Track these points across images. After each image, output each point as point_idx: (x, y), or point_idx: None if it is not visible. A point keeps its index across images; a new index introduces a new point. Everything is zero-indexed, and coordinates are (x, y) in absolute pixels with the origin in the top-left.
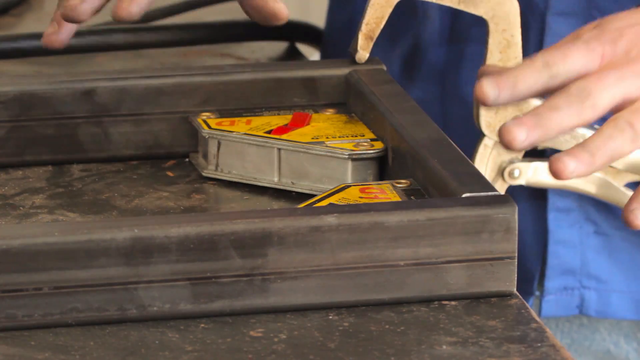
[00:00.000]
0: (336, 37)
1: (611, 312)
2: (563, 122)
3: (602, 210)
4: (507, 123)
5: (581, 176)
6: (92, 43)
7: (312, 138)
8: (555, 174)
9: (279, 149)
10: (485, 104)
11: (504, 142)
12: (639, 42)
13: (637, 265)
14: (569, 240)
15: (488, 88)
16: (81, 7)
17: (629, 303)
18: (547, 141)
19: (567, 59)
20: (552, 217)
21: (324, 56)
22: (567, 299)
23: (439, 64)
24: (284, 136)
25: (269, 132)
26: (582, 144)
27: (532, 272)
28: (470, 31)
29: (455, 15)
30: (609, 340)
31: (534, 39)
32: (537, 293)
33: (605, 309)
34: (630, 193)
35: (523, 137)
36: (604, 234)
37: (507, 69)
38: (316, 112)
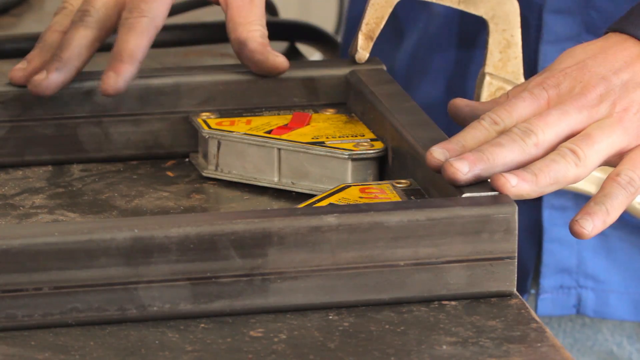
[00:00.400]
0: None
1: (609, 312)
2: (506, 157)
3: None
4: (450, 159)
5: (525, 196)
6: None
7: (312, 138)
8: (497, 188)
9: (279, 149)
10: (457, 181)
11: (447, 176)
12: (582, 78)
13: (635, 265)
14: (564, 239)
15: (456, 161)
16: (46, 82)
17: (627, 304)
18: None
19: (513, 112)
20: (547, 215)
21: (343, 47)
22: (564, 298)
23: (448, 67)
24: (284, 136)
25: (269, 132)
26: (526, 167)
27: (526, 269)
28: (479, 37)
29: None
30: (612, 340)
31: (532, 37)
32: (533, 291)
33: (604, 310)
34: None
35: (465, 169)
36: (602, 233)
37: (454, 138)
38: (316, 112)
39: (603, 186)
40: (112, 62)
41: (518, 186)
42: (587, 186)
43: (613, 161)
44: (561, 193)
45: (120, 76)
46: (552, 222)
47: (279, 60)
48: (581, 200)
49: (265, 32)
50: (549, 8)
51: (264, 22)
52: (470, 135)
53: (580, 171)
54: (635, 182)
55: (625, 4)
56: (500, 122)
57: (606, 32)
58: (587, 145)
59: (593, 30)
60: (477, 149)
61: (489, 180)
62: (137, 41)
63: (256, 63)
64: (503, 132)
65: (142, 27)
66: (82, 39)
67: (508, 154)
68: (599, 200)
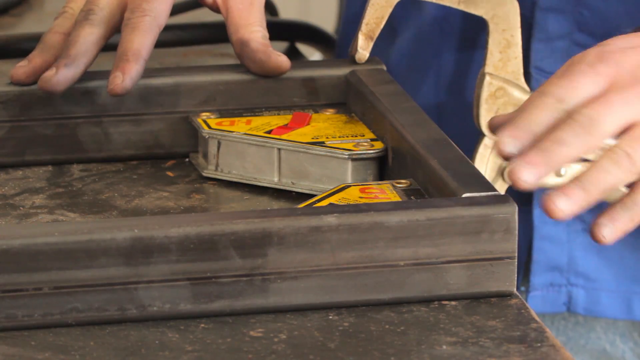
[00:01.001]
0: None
1: (600, 310)
2: (570, 154)
3: (591, 208)
4: (513, 164)
5: (574, 215)
6: None
7: (312, 138)
8: (548, 214)
9: (279, 149)
10: (524, 186)
11: (512, 183)
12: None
13: (627, 264)
14: (555, 237)
15: (522, 169)
16: (56, 78)
17: (619, 302)
18: None
19: (578, 89)
20: (538, 213)
21: (339, 50)
22: (554, 296)
23: (450, 68)
24: (284, 136)
25: (269, 132)
26: (578, 180)
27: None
28: (480, 38)
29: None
30: (605, 339)
31: (524, 35)
32: (523, 288)
33: (594, 308)
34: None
35: (531, 178)
36: None
37: (519, 116)
38: (316, 112)
39: (633, 190)
40: (118, 62)
41: (567, 210)
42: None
43: None
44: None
45: (127, 75)
46: (543, 220)
47: (281, 59)
48: None
49: (266, 34)
50: (541, 6)
51: (264, 24)
52: (537, 118)
53: (633, 177)
54: None
55: (616, 2)
56: (566, 101)
57: None
58: None
59: (585, 28)
60: (540, 147)
61: (541, 208)
62: (141, 40)
63: (258, 63)
64: (568, 115)
65: (145, 26)
66: (89, 35)
67: (572, 150)
68: (628, 207)
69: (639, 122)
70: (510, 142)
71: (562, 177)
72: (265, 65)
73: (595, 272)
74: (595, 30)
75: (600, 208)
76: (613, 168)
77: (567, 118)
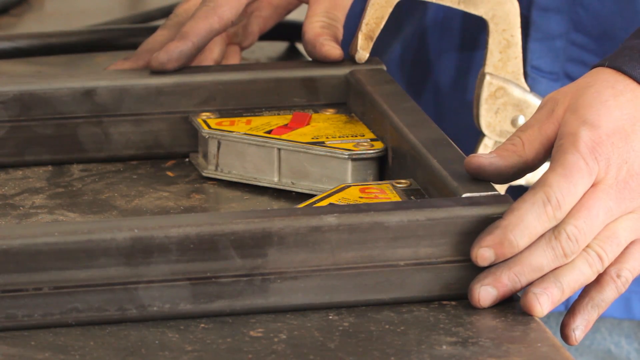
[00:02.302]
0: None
1: None
2: (580, 280)
3: None
4: (530, 292)
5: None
6: (92, 43)
7: (312, 138)
8: (527, 309)
9: (279, 149)
10: (537, 314)
11: (527, 310)
12: (627, 157)
13: None
14: None
15: (536, 301)
16: (164, 54)
17: (617, 302)
18: None
19: (575, 193)
20: None
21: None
22: None
23: (452, 71)
24: (284, 136)
25: (269, 132)
26: (555, 278)
27: None
28: (480, 38)
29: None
30: (610, 340)
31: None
32: None
33: None
34: None
35: (547, 307)
36: None
37: (551, 277)
38: (316, 112)
39: (601, 282)
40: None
41: (546, 309)
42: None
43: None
44: None
45: (163, 51)
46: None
47: (328, 50)
48: None
49: (330, 22)
50: (537, 5)
51: (334, 14)
52: (566, 272)
53: (598, 273)
54: (628, 282)
55: (612, 2)
56: (562, 209)
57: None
58: (613, 248)
59: (581, 28)
60: (554, 277)
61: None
62: (193, 24)
63: (310, 54)
64: (579, 255)
65: (201, 14)
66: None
67: (582, 276)
68: (595, 303)
69: (613, 223)
70: (491, 256)
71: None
72: (314, 56)
73: None
74: (591, 30)
75: None
76: (587, 270)
77: (581, 251)
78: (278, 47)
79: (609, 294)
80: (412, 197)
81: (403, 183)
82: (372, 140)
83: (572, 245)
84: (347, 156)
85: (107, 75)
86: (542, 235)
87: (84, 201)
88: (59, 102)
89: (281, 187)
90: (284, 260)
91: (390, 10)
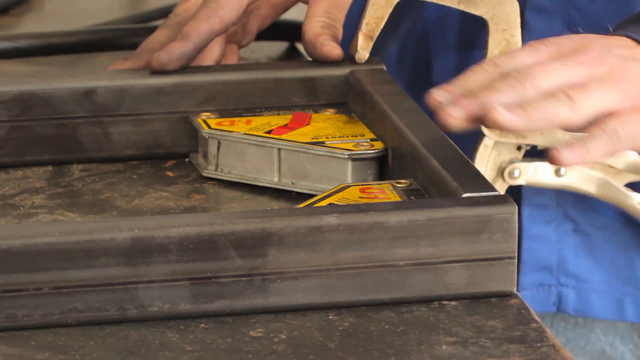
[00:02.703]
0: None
1: (590, 311)
2: (501, 100)
3: (582, 209)
4: (442, 100)
5: (513, 128)
6: (92, 43)
7: (312, 138)
8: (483, 114)
9: (279, 149)
10: (450, 127)
11: (440, 122)
12: (583, 42)
13: (618, 265)
14: (544, 237)
15: (450, 107)
16: (165, 54)
17: (609, 303)
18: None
19: (515, 58)
20: (527, 213)
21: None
22: (544, 296)
23: (451, 71)
24: (284, 136)
25: (269, 132)
26: (518, 102)
27: None
28: (480, 38)
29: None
30: (605, 340)
31: None
32: None
33: (585, 308)
34: (630, 193)
35: (458, 113)
36: (584, 232)
37: (456, 81)
38: (316, 112)
39: (588, 130)
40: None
41: (509, 118)
42: (586, 186)
43: (602, 118)
44: (542, 191)
45: (165, 51)
46: (532, 220)
47: (328, 50)
48: (562, 198)
49: (330, 22)
50: (530, 6)
51: (334, 14)
52: (472, 78)
53: (573, 114)
54: (619, 135)
55: (605, 4)
56: (502, 65)
57: None
58: (582, 92)
59: (574, 29)
60: (472, 93)
61: (477, 114)
62: (193, 25)
63: (310, 54)
64: (500, 76)
65: (202, 15)
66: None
67: (503, 97)
68: (582, 138)
69: (578, 83)
70: (441, 93)
71: (562, 176)
72: (314, 55)
73: (586, 273)
74: (584, 31)
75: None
76: (551, 99)
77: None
78: (278, 47)
79: (592, 132)
80: (412, 197)
81: (403, 183)
82: (372, 140)
83: (519, 75)
84: (347, 156)
85: (107, 75)
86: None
87: (84, 201)
88: (59, 102)
89: (281, 187)
90: (284, 260)
91: (390, 10)
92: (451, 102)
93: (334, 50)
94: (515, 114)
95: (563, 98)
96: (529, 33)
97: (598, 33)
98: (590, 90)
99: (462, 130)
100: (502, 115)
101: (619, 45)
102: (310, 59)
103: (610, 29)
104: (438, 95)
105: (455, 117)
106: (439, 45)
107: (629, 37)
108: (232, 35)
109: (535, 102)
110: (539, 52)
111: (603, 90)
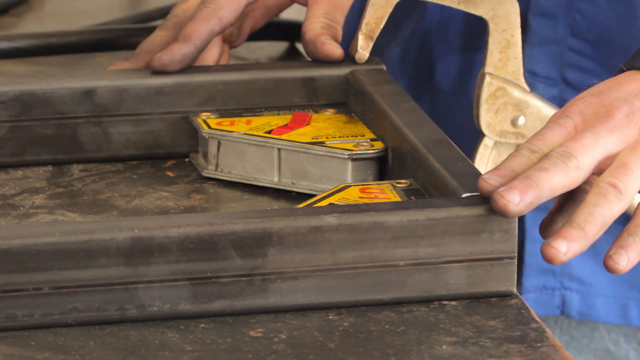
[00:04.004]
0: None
1: (594, 315)
2: (553, 181)
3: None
4: (499, 189)
5: (578, 253)
6: (92, 43)
7: (312, 138)
8: (550, 260)
9: (279, 149)
10: (510, 213)
11: (499, 208)
12: (603, 103)
13: None
14: None
15: (507, 192)
16: (166, 55)
17: (614, 307)
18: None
19: (546, 139)
20: (530, 215)
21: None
22: (547, 299)
23: (453, 71)
24: (284, 136)
25: (269, 132)
26: (569, 221)
27: None
28: (481, 38)
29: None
30: (608, 339)
31: None
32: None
33: (588, 312)
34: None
35: (517, 200)
36: None
37: (501, 165)
38: (316, 112)
39: (635, 216)
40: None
41: (571, 250)
42: None
43: None
44: None
45: (167, 52)
46: (535, 223)
47: (328, 50)
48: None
49: (329, 23)
50: (534, 11)
51: (333, 15)
52: (516, 162)
53: (624, 204)
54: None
55: (608, 8)
56: (538, 150)
57: (616, 73)
58: (626, 176)
59: (578, 33)
60: (524, 175)
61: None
62: (194, 26)
63: (310, 54)
64: (535, 154)
65: (201, 16)
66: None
67: (554, 177)
68: (632, 232)
69: (614, 153)
70: (494, 178)
71: None
72: (314, 55)
73: (590, 277)
74: (588, 35)
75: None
76: (602, 201)
77: (545, 155)
78: (278, 47)
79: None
80: (412, 197)
81: (403, 183)
82: (372, 140)
83: (560, 154)
84: (347, 156)
85: (107, 75)
86: None
87: (84, 201)
88: (59, 102)
89: (281, 187)
90: (284, 260)
91: (390, 10)
92: (506, 187)
93: (335, 49)
94: (575, 240)
95: (611, 192)
96: (532, 37)
97: (601, 38)
98: (631, 168)
99: (521, 214)
100: (562, 249)
101: (636, 90)
102: (310, 59)
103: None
104: (491, 180)
105: (515, 203)
106: (441, 47)
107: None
108: (228, 36)
109: (589, 215)
110: (565, 127)
111: None
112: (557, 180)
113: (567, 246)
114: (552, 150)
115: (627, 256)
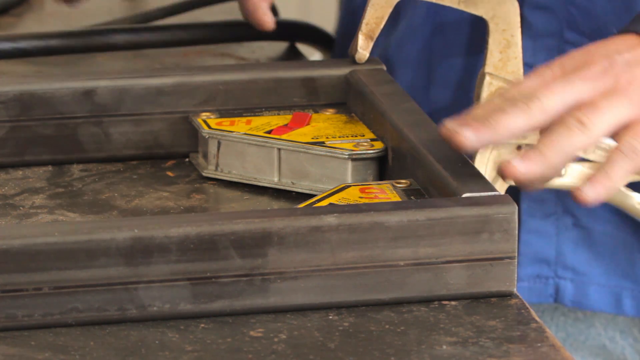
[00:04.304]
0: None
1: (588, 303)
2: (510, 123)
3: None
4: (454, 126)
5: (537, 175)
6: (92, 43)
7: (312, 138)
8: (507, 176)
9: (279, 149)
10: (463, 148)
11: (453, 143)
12: (585, 57)
13: (618, 260)
14: (543, 230)
15: (463, 129)
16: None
17: (608, 296)
18: (501, 142)
19: (521, 85)
20: (525, 207)
21: (338, 49)
22: (541, 287)
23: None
24: (284, 136)
25: (269, 132)
26: (533, 146)
27: None
28: (479, 39)
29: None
30: (605, 335)
31: None
32: None
33: (582, 300)
34: (630, 193)
35: (470, 136)
36: (584, 227)
37: (467, 113)
38: (316, 112)
39: (607, 156)
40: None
41: (527, 168)
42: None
43: (618, 133)
44: None
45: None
46: (531, 214)
47: (265, 18)
48: (561, 192)
49: None
50: (529, 4)
51: None
52: (481, 107)
53: (587, 138)
54: (637, 150)
55: (604, 1)
56: (510, 97)
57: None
58: (592, 113)
59: (574, 26)
60: (481, 115)
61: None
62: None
63: (248, 12)
64: (505, 100)
65: None
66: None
67: (512, 119)
68: (601, 167)
69: (588, 101)
70: (453, 122)
71: (562, 176)
72: (251, 16)
73: (585, 266)
74: (584, 28)
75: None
76: (564, 131)
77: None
78: (278, 47)
79: (611, 157)
80: (412, 197)
81: (403, 183)
82: (372, 140)
83: (525, 97)
84: (347, 156)
85: (107, 75)
86: None
87: (84, 201)
88: (59, 102)
89: (281, 187)
90: (284, 260)
91: (390, 10)
92: (461, 124)
93: (268, 21)
94: (533, 160)
95: (574, 124)
96: (528, 30)
97: (598, 30)
98: (599, 108)
99: (474, 150)
100: (519, 167)
101: (623, 49)
102: (310, 59)
103: (615, 30)
104: (449, 124)
105: (467, 137)
106: (441, 47)
107: (637, 32)
108: None
109: (548, 140)
110: (544, 76)
111: (612, 105)
112: (515, 121)
113: (525, 166)
114: (517, 93)
115: (594, 188)
